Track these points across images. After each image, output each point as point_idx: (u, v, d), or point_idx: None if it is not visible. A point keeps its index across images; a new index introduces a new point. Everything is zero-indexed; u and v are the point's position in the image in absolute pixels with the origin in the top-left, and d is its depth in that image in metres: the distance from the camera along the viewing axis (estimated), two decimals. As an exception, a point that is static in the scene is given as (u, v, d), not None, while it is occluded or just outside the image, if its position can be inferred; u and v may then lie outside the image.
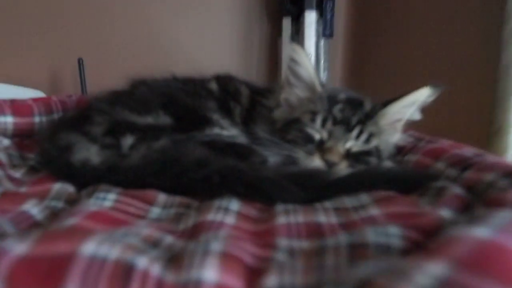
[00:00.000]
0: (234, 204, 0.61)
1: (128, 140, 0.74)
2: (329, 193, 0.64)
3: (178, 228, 0.55)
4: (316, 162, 0.76)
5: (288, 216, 0.57)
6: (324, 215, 0.56)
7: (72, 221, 0.52)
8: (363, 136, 0.79)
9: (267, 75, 2.05)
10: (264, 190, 0.64)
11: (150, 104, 0.82)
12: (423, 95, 0.81)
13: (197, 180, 0.66)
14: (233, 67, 1.97)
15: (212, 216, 0.56)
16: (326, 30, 1.88)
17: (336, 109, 0.81)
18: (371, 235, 0.46)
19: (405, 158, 0.86)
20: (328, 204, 0.61)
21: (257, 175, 0.65)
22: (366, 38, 2.00)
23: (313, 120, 0.80)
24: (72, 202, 0.66)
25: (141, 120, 0.78)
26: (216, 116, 0.85)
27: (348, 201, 0.61)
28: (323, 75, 1.92)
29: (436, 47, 1.49)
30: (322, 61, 1.92)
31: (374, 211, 0.55)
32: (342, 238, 0.47)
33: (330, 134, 0.79)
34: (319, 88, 0.84)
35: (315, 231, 0.52)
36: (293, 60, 0.84)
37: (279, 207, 0.61)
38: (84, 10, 1.86)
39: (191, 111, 0.84)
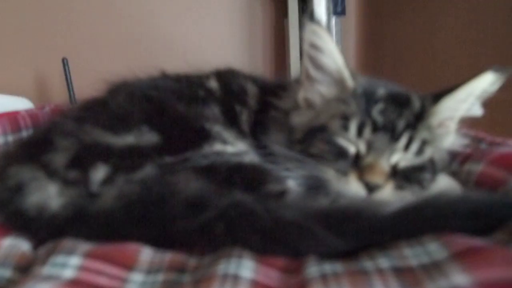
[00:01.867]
0: (247, 266, 0.43)
1: (99, 172, 0.55)
2: (379, 238, 0.45)
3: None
4: (353, 185, 0.57)
5: (328, 289, 0.38)
6: (383, 285, 0.38)
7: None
8: (414, 146, 0.60)
9: (274, 65, 1.86)
10: (287, 241, 0.45)
11: (130, 117, 0.63)
12: (484, 83, 0.62)
13: (194, 230, 0.47)
14: (234, 57, 1.79)
15: (215, 296, 0.37)
16: (337, 7, 1.73)
17: (376, 110, 0.61)
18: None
19: (464, 168, 0.66)
20: (382, 260, 0.42)
21: (276, 218, 0.47)
22: (382, 16, 1.81)
23: (345, 127, 0.61)
24: (23, 269, 0.48)
25: (118, 141, 0.59)
26: (217, 128, 0.65)
27: (411, 254, 0.42)
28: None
29: (464, 25, 1.28)
30: (333, 43, 1.73)
31: (459, 278, 0.36)
32: None
33: (370, 146, 0.60)
34: (350, 83, 0.64)
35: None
36: (313, 46, 0.64)
37: (312, 268, 0.42)
38: (65, 6, 1.67)
39: (184, 122, 0.65)
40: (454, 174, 0.66)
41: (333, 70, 0.66)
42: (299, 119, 0.67)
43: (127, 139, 0.60)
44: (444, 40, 1.41)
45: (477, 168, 0.63)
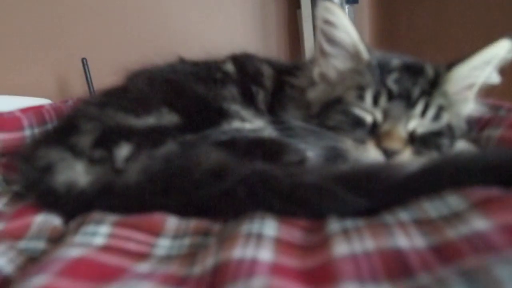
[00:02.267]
0: (270, 226, 0.44)
1: (123, 150, 0.57)
2: (400, 196, 0.46)
3: (193, 273, 0.39)
4: (371, 152, 0.58)
5: (349, 241, 0.39)
6: (404, 235, 0.38)
7: (40, 280, 0.36)
8: (430, 112, 0.60)
9: (288, 55, 1.86)
10: (308, 202, 0.46)
11: (150, 100, 0.65)
12: (501, 50, 0.62)
13: (217, 196, 0.49)
14: (248, 49, 1.80)
15: (240, 251, 0.39)
16: (350, -4, 1.71)
17: (391, 80, 0.61)
18: (500, 271, 0.29)
19: (483, 134, 0.66)
20: (403, 214, 0.43)
21: (297, 181, 0.48)
22: (395, 4, 1.80)
23: (360, 97, 0.61)
24: (56, 240, 0.51)
25: (139, 122, 0.61)
26: (235, 107, 0.67)
27: (431, 208, 0.42)
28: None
29: (478, 13, 1.26)
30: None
31: (480, 223, 0.37)
32: (446, 276, 0.30)
33: (386, 114, 0.60)
34: (365, 55, 0.65)
35: (398, 266, 0.35)
36: (327, 22, 0.65)
37: (333, 225, 0.43)
38: (82, 8, 1.71)
39: (203, 102, 0.66)
40: (474, 141, 0.66)
41: (347, 44, 0.66)
42: (315, 94, 0.68)
43: (148, 121, 0.62)
44: (458, 30, 1.39)
45: (496, 132, 0.63)
